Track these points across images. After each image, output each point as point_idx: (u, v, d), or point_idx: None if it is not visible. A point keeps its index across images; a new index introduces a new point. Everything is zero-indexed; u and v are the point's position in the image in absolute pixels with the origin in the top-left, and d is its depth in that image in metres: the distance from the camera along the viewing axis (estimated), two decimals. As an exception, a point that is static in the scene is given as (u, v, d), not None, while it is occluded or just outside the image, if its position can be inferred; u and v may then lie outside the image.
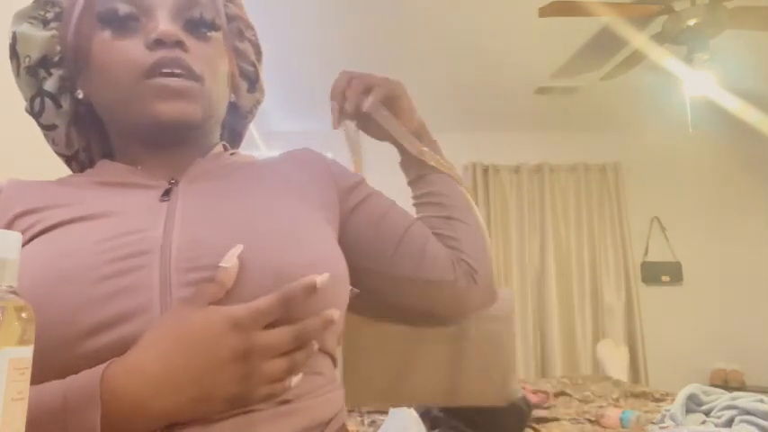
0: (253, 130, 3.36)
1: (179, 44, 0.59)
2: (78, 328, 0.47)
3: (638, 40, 2.71)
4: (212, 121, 0.67)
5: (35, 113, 0.69)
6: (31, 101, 0.68)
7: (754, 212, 4.16)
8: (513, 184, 4.24)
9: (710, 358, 3.93)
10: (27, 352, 0.37)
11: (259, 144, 3.47)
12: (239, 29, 0.71)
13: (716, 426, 1.54)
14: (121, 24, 0.60)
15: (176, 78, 0.59)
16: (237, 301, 0.47)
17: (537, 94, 3.66)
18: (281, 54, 2.95)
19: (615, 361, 3.66)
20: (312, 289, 0.47)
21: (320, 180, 0.67)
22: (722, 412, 1.57)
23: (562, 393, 2.56)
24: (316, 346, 0.49)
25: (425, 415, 1.70)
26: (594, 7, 2.38)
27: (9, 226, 0.59)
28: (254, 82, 0.74)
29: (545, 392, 2.40)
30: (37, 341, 0.39)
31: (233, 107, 0.72)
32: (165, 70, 0.58)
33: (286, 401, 0.49)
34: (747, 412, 1.50)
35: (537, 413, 2.05)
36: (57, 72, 0.66)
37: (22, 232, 0.55)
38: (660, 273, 4.11)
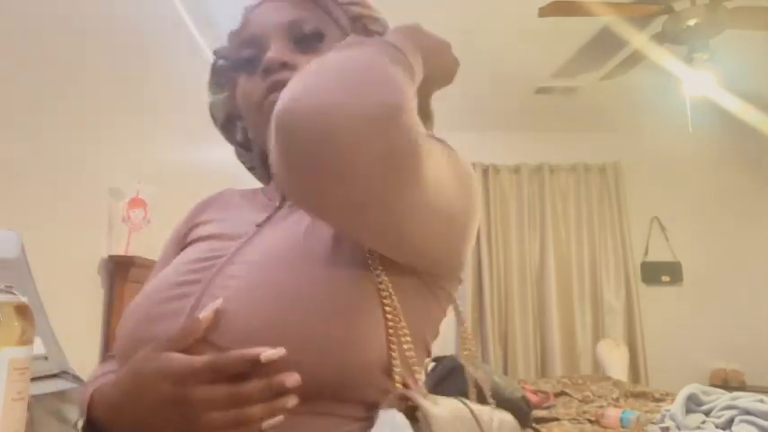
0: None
1: (284, 66, 0.64)
2: (137, 337, 0.57)
3: (638, 40, 2.71)
4: None
5: (240, 160, 0.82)
6: (234, 151, 0.81)
7: (754, 212, 4.16)
8: (513, 184, 4.24)
9: (710, 358, 3.93)
10: (27, 352, 0.37)
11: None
12: (364, 25, 0.73)
13: (716, 426, 1.54)
14: (249, 66, 0.68)
15: None
16: (230, 340, 0.50)
17: (537, 94, 3.66)
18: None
19: (615, 361, 3.65)
20: (251, 361, 0.45)
21: None
22: (722, 412, 1.57)
23: (562, 393, 2.57)
24: (290, 402, 0.46)
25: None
26: (594, 7, 2.38)
27: (188, 232, 0.74)
28: None
29: (545, 392, 2.40)
30: (120, 337, 0.61)
31: None
32: (274, 94, 0.62)
33: None
34: (747, 412, 1.50)
35: (537, 413, 2.05)
36: (240, 124, 0.77)
37: (191, 240, 0.71)
38: (660, 273, 4.11)
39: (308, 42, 0.67)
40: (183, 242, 0.74)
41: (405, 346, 0.53)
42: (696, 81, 2.70)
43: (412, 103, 0.46)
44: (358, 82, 0.44)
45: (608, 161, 4.24)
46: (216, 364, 0.46)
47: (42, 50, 1.41)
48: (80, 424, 0.56)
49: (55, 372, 1.20)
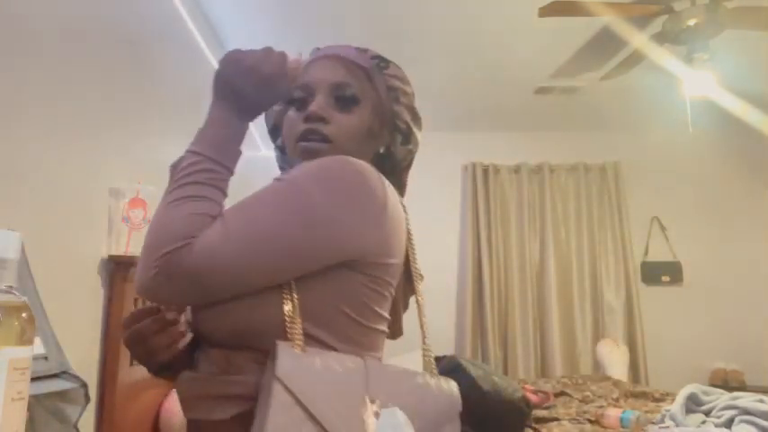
0: (253, 131, 3.35)
1: (320, 119, 0.84)
2: None
3: (638, 40, 2.71)
4: None
5: (277, 161, 1.01)
6: (274, 151, 1.00)
7: (754, 212, 4.16)
8: (513, 184, 4.24)
9: (710, 358, 3.93)
10: (27, 352, 0.37)
11: (259, 144, 3.47)
12: (397, 96, 0.92)
13: (716, 426, 1.54)
14: (299, 103, 0.88)
15: (313, 143, 0.83)
16: (203, 325, 0.74)
17: (537, 94, 3.66)
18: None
19: (615, 361, 3.66)
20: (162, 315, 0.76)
21: None
22: (722, 412, 1.57)
23: (562, 393, 2.56)
24: (180, 328, 0.76)
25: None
26: (594, 7, 2.38)
27: None
28: (407, 136, 0.93)
29: (545, 392, 2.40)
30: None
31: (390, 156, 0.93)
32: (308, 137, 0.84)
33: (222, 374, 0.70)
34: (747, 412, 1.50)
35: (537, 413, 2.05)
36: (280, 135, 0.96)
37: None
38: (660, 273, 4.11)
39: (345, 103, 0.86)
40: None
41: (297, 319, 0.69)
42: (696, 81, 2.70)
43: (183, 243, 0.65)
44: (143, 260, 0.67)
45: (608, 161, 4.24)
46: (140, 312, 0.77)
47: (42, 50, 1.41)
48: None
49: (55, 372, 1.20)
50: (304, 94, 0.87)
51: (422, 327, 0.88)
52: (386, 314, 0.78)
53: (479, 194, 4.15)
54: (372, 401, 0.64)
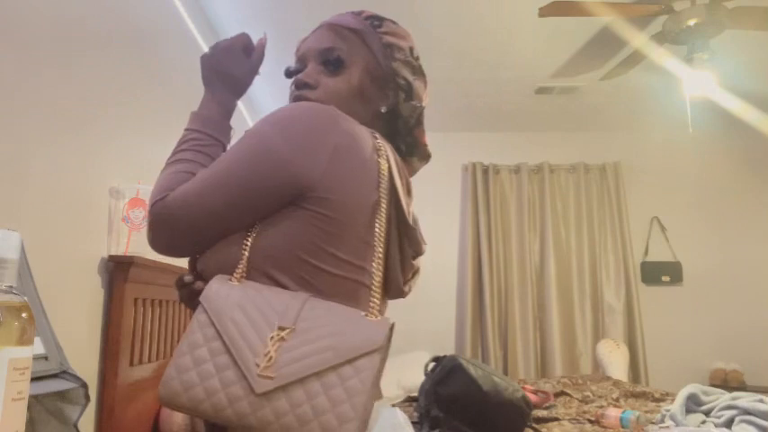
0: (247, 117, 3.35)
1: (305, 85, 0.89)
2: None
3: (638, 40, 2.71)
4: None
5: None
6: None
7: (755, 212, 4.16)
8: (513, 184, 4.24)
9: (710, 358, 3.93)
10: (27, 352, 0.37)
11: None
12: (392, 53, 0.93)
13: (716, 426, 1.54)
14: (295, 74, 0.93)
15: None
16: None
17: (537, 94, 3.66)
18: (282, 51, 2.95)
19: (615, 361, 3.65)
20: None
21: None
22: (722, 412, 1.57)
23: (562, 393, 2.56)
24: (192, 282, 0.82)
25: (425, 415, 1.70)
26: (594, 7, 2.38)
27: None
28: (409, 92, 0.93)
29: (545, 392, 2.40)
30: None
31: (394, 115, 0.94)
32: (298, 101, 0.86)
33: None
34: (747, 412, 1.50)
35: (537, 413, 2.05)
36: None
37: None
38: (660, 273, 4.11)
39: (332, 67, 0.90)
40: None
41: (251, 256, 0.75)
42: (696, 81, 2.70)
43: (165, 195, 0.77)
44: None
45: (608, 161, 4.24)
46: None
47: (42, 50, 1.41)
48: None
49: (55, 372, 1.20)
50: (300, 66, 0.92)
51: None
52: (353, 260, 0.75)
53: (479, 194, 4.15)
54: (282, 329, 0.65)
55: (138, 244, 1.78)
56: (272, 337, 0.64)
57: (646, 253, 4.17)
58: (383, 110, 0.92)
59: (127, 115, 1.87)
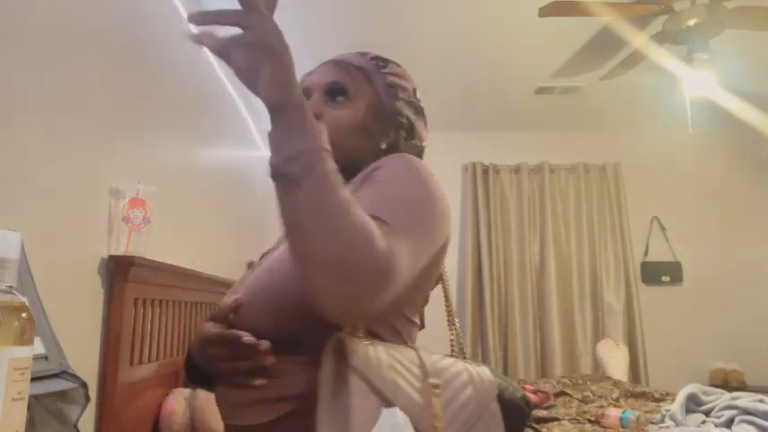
0: (253, 131, 3.36)
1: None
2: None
3: (638, 40, 2.71)
4: (352, 162, 0.85)
5: None
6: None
7: (755, 212, 4.16)
8: (513, 184, 4.24)
9: (710, 358, 3.93)
10: (27, 352, 0.37)
11: (260, 145, 3.47)
12: (396, 93, 0.94)
13: (716, 426, 1.54)
14: None
15: None
16: (245, 323, 0.76)
17: (537, 94, 3.66)
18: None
19: (615, 361, 3.66)
20: (239, 342, 0.72)
21: None
22: (722, 412, 1.57)
23: (562, 393, 2.56)
24: (269, 359, 0.71)
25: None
26: (594, 7, 2.38)
27: None
28: (410, 131, 0.94)
29: (545, 392, 2.40)
30: None
31: (394, 152, 0.91)
32: None
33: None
34: (747, 412, 1.50)
35: (537, 413, 2.06)
36: None
37: None
38: (660, 273, 4.11)
39: (335, 98, 0.90)
40: None
41: None
42: (696, 81, 2.70)
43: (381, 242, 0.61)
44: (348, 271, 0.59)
45: (608, 161, 4.24)
46: (219, 337, 0.75)
47: (42, 50, 1.41)
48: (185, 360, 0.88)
49: (55, 372, 1.20)
50: (304, 98, 0.90)
51: (448, 307, 0.90)
52: (419, 306, 0.83)
53: (479, 194, 4.15)
54: (436, 386, 0.66)
55: (138, 244, 1.78)
56: (433, 398, 0.66)
57: (646, 253, 4.17)
58: (383, 146, 0.92)
59: (127, 115, 1.87)
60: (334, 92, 0.91)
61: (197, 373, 0.84)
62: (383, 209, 0.67)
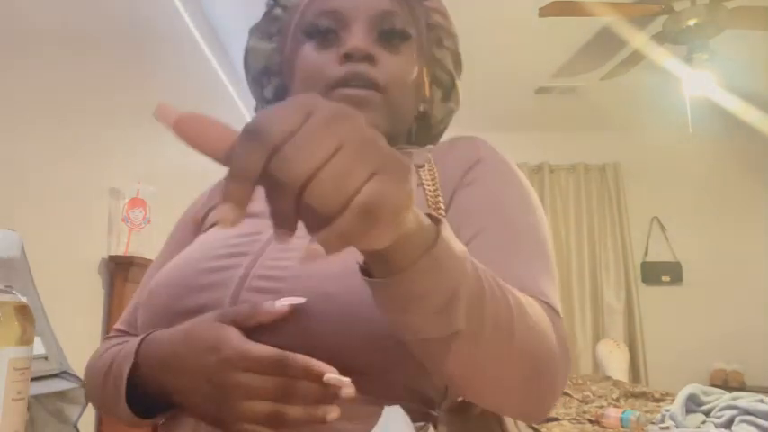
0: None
1: (367, 58, 0.62)
2: (174, 309, 0.54)
3: (638, 40, 2.71)
4: (395, 132, 0.67)
5: None
6: (256, 107, 0.77)
7: (754, 212, 4.16)
8: (513, 184, 4.23)
9: (710, 358, 3.93)
10: (27, 352, 0.37)
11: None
12: (439, 37, 0.73)
13: (716, 426, 1.54)
14: (322, 38, 0.65)
15: (359, 89, 0.61)
16: (290, 334, 0.47)
17: (537, 94, 3.66)
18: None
19: (615, 361, 3.65)
20: (312, 376, 0.43)
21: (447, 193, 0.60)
22: (722, 412, 1.57)
23: (562, 393, 2.56)
24: (331, 415, 0.43)
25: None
26: (594, 7, 2.38)
27: (206, 215, 0.72)
28: (449, 91, 0.75)
29: (545, 392, 2.40)
30: (152, 309, 0.57)
31: (424, 117, 0.73)
32: (350, 83, 0.61)
33: None
34: (747, 412, 1.50)
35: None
36: (275, 81, 0.73)
37: (206, 224, 0.70)
38: (660, 273, 4.11)
39: (392, 39, 0.65)
40: (200, 226, 0.72)
41: None
42: (696, 81, 2.70)
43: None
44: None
45: (608, 161, 4.24)
46: (279, 362, 0.44)
47: (42, 51, 1.41)
48: (125, 372, 0.52)
49: (55, 372, 1.20)
50: (332, 24, 0.64)
51: None
52: None
53: (479, 194, 4.15)
54: None
55: (138, 244, 1.78)
56: None
57: (646, 253, 4.17)
58: (421, 108, 0.72)
59: (127, 116, 1.87)
60: (393, 32, 0.65)
61: (143, 397, 0.53)
62: (522, 250, 0.54)
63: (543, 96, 3.69)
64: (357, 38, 0.62)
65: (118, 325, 0.72)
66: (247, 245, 0.56)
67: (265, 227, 0.57)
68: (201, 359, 0.46)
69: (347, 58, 0.62)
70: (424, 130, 0.76)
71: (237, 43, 2.18)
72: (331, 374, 0.43)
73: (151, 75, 2.06)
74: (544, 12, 2.39)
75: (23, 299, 0.37)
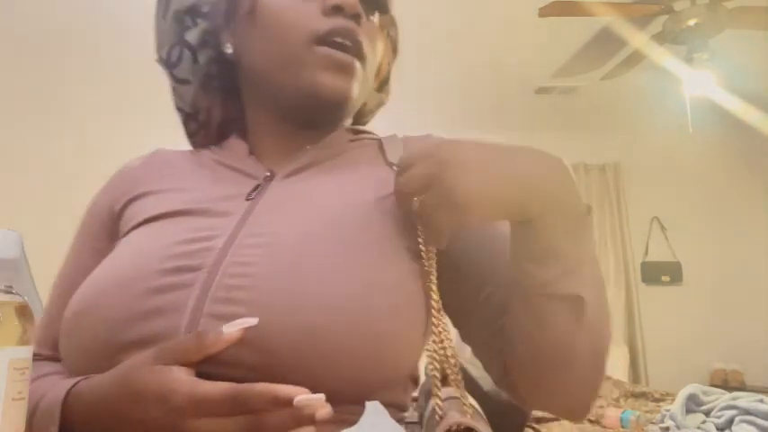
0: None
1: (356, 17, 0.55)
2: (116, 341, 0.45)
3: (638, 40, 2.71)
4: (352, 108, 0.60)
5: (170, 63, 0.65)
6: (169, 50, 0.64)
7: (754, 212, 4.16)
8: (513, 184, 4.23)
9: (710, 358, 3.93)
10: (27, 352, 0.37)
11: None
12: (389, 24, 0.66)
13: (716, 426, 1.54)
14: None
15: (345, 53, 0.54)
16: (248, 362, 0.41)
17: (537, 94, 3.66)
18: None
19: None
20: (280, 403, 0.37)
21: None
22: (722, 412, 1.57)
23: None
24: None
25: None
26: (594, 7, 2.38)
27: (122, 210, 0.61)
28: (384, 81, 0.69)
29: (545, 392, 2.40)
30: (82, 341, 0.47)
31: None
32: (337, 39, 0.54)
33: None
34: (747, 412, 1.50)
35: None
36: (202, 24, 0.62)
37: (130, 220, 0.58)
38: (660, 273, 4.11)
39: (375, 8, 0.60)
40: (116, 223, 0.62)
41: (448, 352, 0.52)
42: (696, 81, 2.70)
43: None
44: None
45: (608, 161, 4.24)
46: (235, 399, 0.37)
47: (42, 52, 1.41)
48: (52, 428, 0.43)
49: (55, 372, 1.20)
50: None
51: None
52: None
53: (479, 194, 4.15)
54: None
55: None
56: None
57: (646, 253, 4.17)
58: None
59: (127, 115, 1.87)
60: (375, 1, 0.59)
61: None
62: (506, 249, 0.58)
63: (543, 96, 3.69)
64: None
65: (37, 350, 0.58)
66: (199, 254, 0.48)
67: (218, 227, 0.50)
68: (148, 413, 0.39)
69: (336, 10, 0.54)
70: (354, 118, 0.68)
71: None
72: (301, 396, 0.37)
73: (152, 76, 2.07)
74: (544, 12, 2.39)
75: (23, 299, 0.37)
